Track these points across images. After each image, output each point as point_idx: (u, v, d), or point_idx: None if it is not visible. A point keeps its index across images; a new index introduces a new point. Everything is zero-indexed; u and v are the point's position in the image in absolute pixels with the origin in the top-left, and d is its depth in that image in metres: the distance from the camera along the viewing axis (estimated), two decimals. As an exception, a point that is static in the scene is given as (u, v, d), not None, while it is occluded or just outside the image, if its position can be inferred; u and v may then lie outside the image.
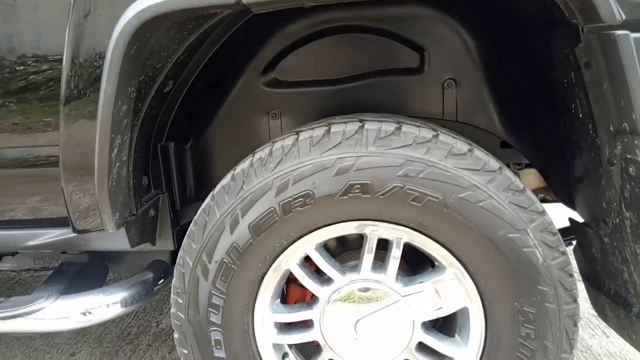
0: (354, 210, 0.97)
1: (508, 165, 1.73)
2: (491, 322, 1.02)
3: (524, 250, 0.95)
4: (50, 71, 1.05)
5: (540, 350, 1.00)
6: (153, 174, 1.27)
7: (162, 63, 1.04)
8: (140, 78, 1.01)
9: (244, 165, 1.02)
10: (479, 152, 0.96)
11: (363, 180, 0.94)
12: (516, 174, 1.76)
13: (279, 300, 1.11)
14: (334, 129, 0.98)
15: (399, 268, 1.08)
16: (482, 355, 1.05)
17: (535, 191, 1.94)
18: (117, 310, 1.26)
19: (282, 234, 1.00)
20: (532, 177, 1.57)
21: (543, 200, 1.81)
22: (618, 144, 0.91)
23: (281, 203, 0.97)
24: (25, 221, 1.22)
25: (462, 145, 0.95)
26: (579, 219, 1.16)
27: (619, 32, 0.81)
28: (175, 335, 1.10)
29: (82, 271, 1.40)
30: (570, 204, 1.23)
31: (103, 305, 1.24)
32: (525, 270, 0.96)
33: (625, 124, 0.88)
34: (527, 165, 1.48)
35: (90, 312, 1.23)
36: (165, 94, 1.18)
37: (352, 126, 0.97)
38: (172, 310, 1.09)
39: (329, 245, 1.16)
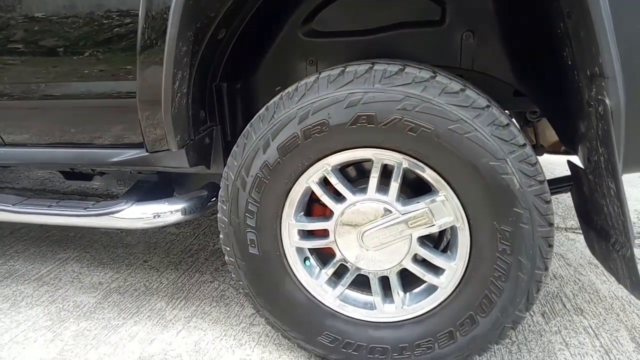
0: (361, 138, 1.18)
1: (524, 114, 1.85)
2: (475, 238, 1.20)
3: (502, 176, 1.11)
4: (132, 24, 1.32)
5: (515, 265, 1.18)
6: (209, 109, 1.54)
7: (215, 12, 1.27)
8: (197, 25, 1.26)
9: (276, 98, 1.25)
10: (470, 92, 1.12)
11: (369, 112, 1.14)
12: (532, 122, 1.87)
13: (302, 213, 1.35)
14: (348, 69, 1.18)
15: (403, 192, 1.29)
16: (467, 267, 1.24)
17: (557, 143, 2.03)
18: (178, 216, 1.57)
19: (303, 156, 1.23)
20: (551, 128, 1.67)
21: (566, 153, 1.90)
22: (593, 86, 1.05)
23: (303, 129, 1.19)
24: (112, 143, 1.55)
25: (455, 85, 1.12)
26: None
27: (588, -15, 0.94)
28: (221, 236, 1.39)
29: (153, 189, 1.73)
30: (574, 149, 1.36)
31: (168, 211, 1.56)
32: (504, 194, 1.13)
33: (597, 68, 1.01)
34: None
35: (158, 216, 1.56)
36: (219, 40, 1.42)
37: (364, 67, 1.17)
38: (219, 215, 1.37)
39: (348, 172, 1.38)
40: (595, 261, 1.97)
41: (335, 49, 1.57)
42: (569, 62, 1.14)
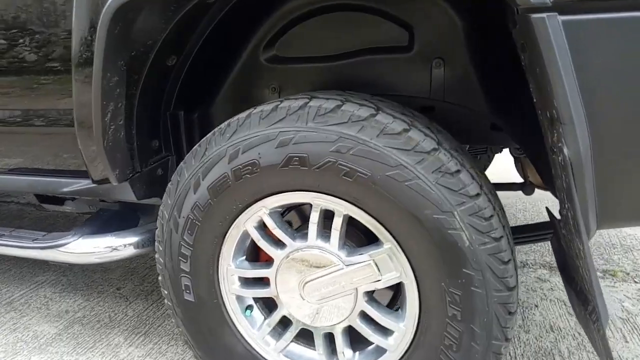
0: (295, 181, 1.05)
1: (508, 149, 1.67)
2: (424, 299, 1.05)
3: (449, 231, 0.96)
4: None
5: (467, 333, 1.02)
6: (164, 138, 1.46)
7: (152, 40, 1.19)
8: (133, 53, 1.17)
9: (209, 134, 1.14)
10: (414, 133, 0.98)
11: (300, 154, 1.02)
12: (518, 158, 1.69)
13: (244, 257, 1.23)
14: (282, 104, 1.06)
15: (352, 239, 1.15)
16: (416, 331, 1.09)
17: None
18: (131, 250, 1.49)
19: (236, 198, 1.11)
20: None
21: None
22: (554, 131, 0.88)
23: (233, 169, 1.08)
24: (64, 171, 1.48)
25: (396, 125, 0.98)
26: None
27: (535, 15, 0.78)
28: (159, 278, 1.29)
29: (114, 218, 1.65)
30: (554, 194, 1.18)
31: (120, 245, 1.48)
32: (451, 252, 0.97)
33: (554, 110, 0.85)
34: (531, 151, 1.42)
35: (109, 250, 1.48)
36: (169, 67, 1.34)
37: (298, 102, 1.04)
38: (156, 255, 1.27)
39: (296, 215, 1.26)
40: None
41: (298, 75, 1.45)
42: (534, 100, 0.98)
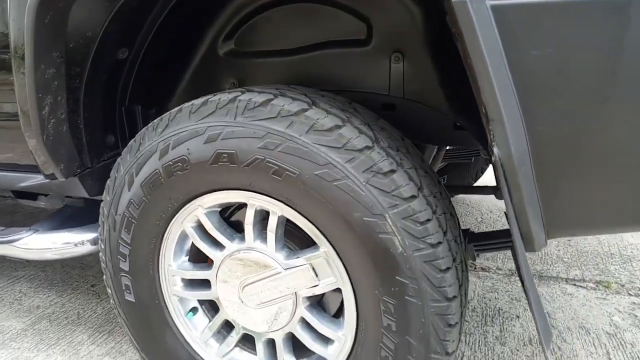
0: (228, 179, 1.00)
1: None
2: (360, 307, 0.98)
3: (380, 236, 0.89)
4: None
5: (402, 346, 0.94)
6: (121, 134, 1.42)
7: (91, 31, 1.15)
8: (71, 45, 1.13)
9: (144, 129, 1.10)
10: (347, 130, 0.91)
11: (229, 150, 0.96)
12: (488, 159, 1.59)
13: (186, 257, 1.18)
14: (213, 97, 1.01)
15: (295, 241, 1.09)
16: (354, 340, 1.02)
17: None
18: (88, 247, 1.45)
19: (170, 196, 1.06)
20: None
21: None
22: (490, 129, 0.81)
23: (164, 165, 1.03)
24: (20, 165, 1.46)
25: (327, 122, 0.91)
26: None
27: (458, -1, 0.71)
28: (104, 276, 1.25)
29: (77, 214, 1.63)
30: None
31: (76, 241, 1.44)
32: (383, 258, 0.90)
33: (484, 107, 0.77)
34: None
35: (67, 246, 1.45)
36: (121, 61, 1.30)
37: (229, 96, 0.99)
38: (100, 254, 1.24)
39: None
40: (588, 325, 1.65)
41: (258, 70, 1.39)
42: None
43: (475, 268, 2.06)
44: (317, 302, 1.10)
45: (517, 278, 1.98)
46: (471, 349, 1.53)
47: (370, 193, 0.88)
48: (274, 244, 1.04)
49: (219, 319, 1.17)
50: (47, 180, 1.37)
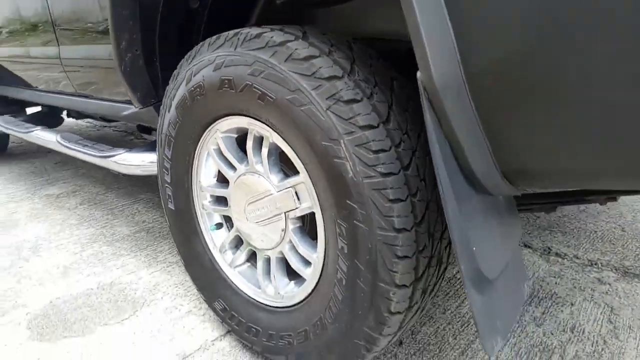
0: (232, 104, 1.13)
1: None
2: (326, 230, 1.05)
3: (335, 160, 0.94)
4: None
5: (353, 269, 0.99)
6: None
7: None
8: (144, -8, 1.38)
9: (182, 59, 1.29)
10: (321, 61, 0.97)
11: (228, 76, 1.10)
12: None
13: (215, 178, 1.37)
14: (226, 33, 1.14)
15: (289, 168, 1.19)
16: (323, 263, 1.09)
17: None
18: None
19: (195, 119, 1.25)
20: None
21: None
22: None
23: (189, 91, 1.21)
24: (121, 100, 1.80)
25: (304, 52, 0.98)
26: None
27: None
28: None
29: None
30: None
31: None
32: (338, 182, 0.95)
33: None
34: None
35: (149, 164, 1.75)
36: (193, 10, 1.52)
37: (235, 30, 1.12)
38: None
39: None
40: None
41: (315, 17, 1.49)
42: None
43: (549, 252, 1.88)
44: (304, 229, 1.19)
45: (594, 269, 1.76)
46: (499, 322, 1.45)
47: (330, 119, 0.94)
48: (268, 168, 1.15)
49: (232, 234, 1.34)
50: (137, 110, 1.68)
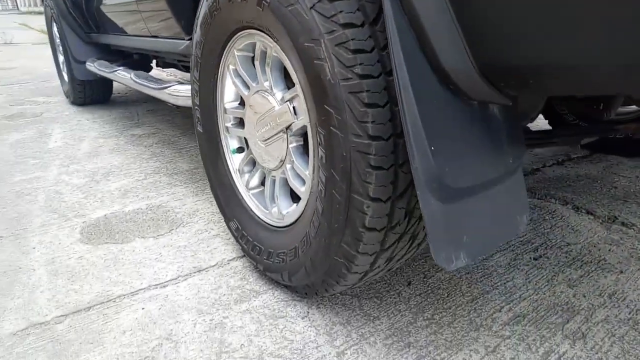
0: (241, 16, 1.14)
1: None
2: (313, 142, 1.03)
3: (315, 62, 0.91)
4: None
5: (330, 180, 0.96)
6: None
7: None
8: None
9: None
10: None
11: (236, -14, 1.10)
12: None
13: (237, 102, 1.40)
14: (240, -55, 1.15)
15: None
16: (312, 176, 1.07)
17: None
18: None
19: (215, 36, 1.28)
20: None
21: None
22: None
23: (209, 7, 1.25)
24: (174, 36, 1.90)
25: (298, -48, 0.95)
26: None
27: None
28: (195, 113, 1.58)
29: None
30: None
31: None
32: (317, 85, 0.92)
33: None
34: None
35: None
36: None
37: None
38: (193, 93, 1.56)
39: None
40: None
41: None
42: None
43: (613, 221, 1.66)
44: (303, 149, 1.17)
45: (664, 242, 1.52)
46: (526, 278, 1.33)
47: (313, 18, 0.90)
48: (271, 83, 1.15)
49: (247, 156, 1.37)
50: (187, 42, 1.77)
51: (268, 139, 1.21)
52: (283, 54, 1.05)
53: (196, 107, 1.48)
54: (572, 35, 0.61)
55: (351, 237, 0.96)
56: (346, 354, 1.06)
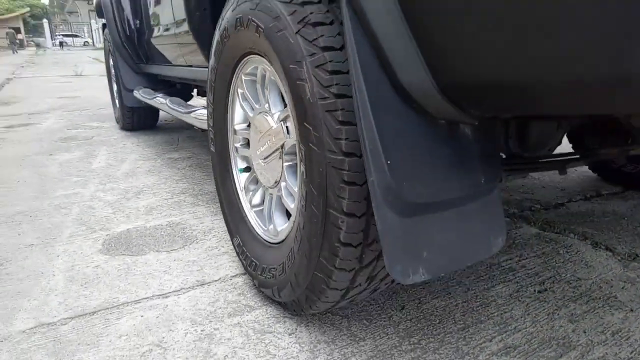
0: (245, 43, 1.22)
1: None
2: (297, 157, 1.07)
3: (298, 83, 0.97)
4: None
5: (309, 194, 1.00)
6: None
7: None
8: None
9: (226, 7, 1.42)
10: (302, -8, 1.01)
11: (239, 15, 1.19)
12: None
13: (246, 124, 1.47)
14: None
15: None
16: (299, 189, 1.11)
17: None
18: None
19: (225, 62, 1.37)
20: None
21: None
22: None
23: (220, 35, 1.34)
24: (203, 64, 2.03)
25: (290, -14, 1.03)
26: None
27: None
28: (211, 134, 1.67)
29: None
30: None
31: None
32: (299, 105, 0.97)
33: None
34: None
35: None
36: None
37: (253, -24, 1.21)
38: (210, 116, 1.66)
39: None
40: None
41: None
42: None
43: (633, 259, 1.58)
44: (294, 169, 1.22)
45: (686, 283, 1.42)
46: (525, 310, 1.28)
47: (298, 42, 0.97)
48: (269, 104, 1.22)
49: (251, 174, 1.43)
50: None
51: (267, 157, 1.27)
52: (277, 75, 1.12)
53: (210, 129, 1.57)
54: (517, 51, 0.63)
55: (328, 252, 0.98)
56: (324, 371, 1.07)
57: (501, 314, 1.27)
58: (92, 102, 6.00)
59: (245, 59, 1.28)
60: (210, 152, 1.61)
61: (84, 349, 1.16)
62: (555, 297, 1.35)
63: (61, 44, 48.08)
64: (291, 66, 0.98)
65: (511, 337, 1.18)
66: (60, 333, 1.23)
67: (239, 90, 1.38)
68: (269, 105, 1.22)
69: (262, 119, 1.27)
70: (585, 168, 2.50)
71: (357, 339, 1.18)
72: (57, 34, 54.76)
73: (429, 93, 0.77)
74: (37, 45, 49.42)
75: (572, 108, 0.70)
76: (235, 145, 1.48)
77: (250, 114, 1.35)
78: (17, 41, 34.59)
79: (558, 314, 1.27)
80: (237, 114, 1.45)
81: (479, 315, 1.26)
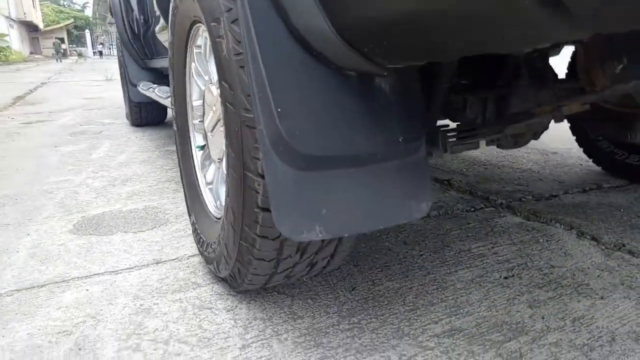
0: (187, 8, 1.19)
1: None
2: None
3: (217, 40, 0.93)
4: None
5: (228, 156, 0.96)
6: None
7: None
8: None
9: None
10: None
11: (181, -20, 1.16)
12: None
13: (200, 100, 1.43)
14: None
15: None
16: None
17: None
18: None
19: (178, 34, 1.34)
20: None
21: None
22: None
23: (172, 7, 1.32)
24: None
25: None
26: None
27: None
28: (179, 115, 1.65)
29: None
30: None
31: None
32: (218, 63, 0.93)
33: None
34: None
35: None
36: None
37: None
38: (177, 95, 1.63)
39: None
40: None
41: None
42: None
43: (619, 248, 1.46)
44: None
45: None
46: (484, 295, 1.19)
47: (216, -2, 0.93)
48: (211, 72, 1.18)
49: (206, 150, 1.39)
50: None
51: (212, 129, 1.23)
52: (209, 39, 1.08)
53: (172, 106, 1.55)
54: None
55: (249, 219, 0.94)
56: (251, 347, 1.01)
57: (456, 297, 1.19)
58: (112, 102, 6.14)
59: (194, 29, 1.25)
60: (174, 130, 1.58)
61: (18, 319, 1.15)
62: (520, 283, 1.26)
63: (100, 53, 49.82)
64: (212, 24, 0.94)
65: (460, 320, 1.09)
66: (2, 304, 1.22)
67: (193, 65, 1.36)
68: (210, 74, 1.19)
69: (208, 90, 1.23)
70: (590, 162, 2.36)
71: (296, 317, 1.12)
72: (98, 43, 56.91)
73: (326, 36, 0.71)
74: (79, 55, 51.39)
75: (468, 48, 0.63)
76: (194, 122, 1.46)
77: (203, 88, 1.31)
78: (62, 50, 36.07)
79: (519, 300, 1.17)
80: (194, 90, 1.42)
81: (432, 298, 1.18)
